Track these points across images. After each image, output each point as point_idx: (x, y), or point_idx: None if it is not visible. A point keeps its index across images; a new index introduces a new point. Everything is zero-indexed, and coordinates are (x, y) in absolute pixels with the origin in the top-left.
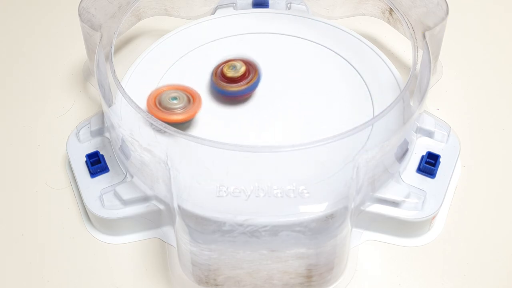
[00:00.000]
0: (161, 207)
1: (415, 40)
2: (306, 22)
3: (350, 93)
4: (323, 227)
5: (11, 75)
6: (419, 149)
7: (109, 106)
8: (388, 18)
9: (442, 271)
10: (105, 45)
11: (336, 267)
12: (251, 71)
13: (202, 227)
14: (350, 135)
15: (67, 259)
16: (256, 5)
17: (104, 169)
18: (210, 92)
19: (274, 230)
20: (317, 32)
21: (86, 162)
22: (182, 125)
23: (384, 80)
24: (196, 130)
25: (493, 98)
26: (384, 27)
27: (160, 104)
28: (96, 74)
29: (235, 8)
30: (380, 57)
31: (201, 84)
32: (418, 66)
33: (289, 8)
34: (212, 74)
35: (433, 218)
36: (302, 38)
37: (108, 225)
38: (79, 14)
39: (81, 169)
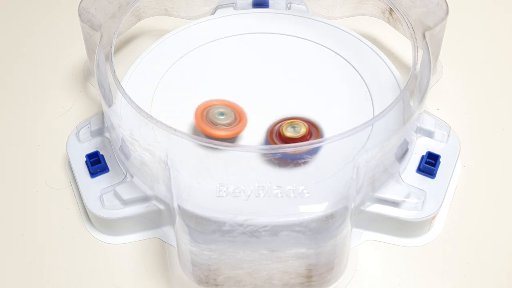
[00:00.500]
0: (161, 207)
1: (415, 40)
2: (306, 22)
3: (350, 93)
4: (323, 227)
5: (11, 75)
6: (419, 149)
7: (109, 106)
8: (388, 18)
9: (442, 271)
10: (105, 45)
11: (336, 267)
12: (312, 132)
13: (202, 227)
14: (350, 135)
15: (67, 259)
16: (256, 5)
17: (104, 169)
18: (210, 92)
19: (274, 230)
20: (317, 32)
21: (86, 162)
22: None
23: (384, 80)
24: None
25: (493, 98)
26: (384, 27)
27: (207, 117)
28: (96, 74)
29: (235, 8)
30: (380, 57)
31: (201, 84)
32: (418, 66)
33: (289, 8)
34: (268, 132)
35: (433, 218)
36: (302, 38)
37: (108, 225)
38: (79, 14)
39: (81, 169)
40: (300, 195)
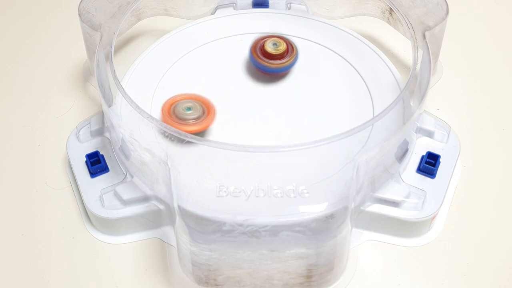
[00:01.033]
0: (161, 207)
1: (415, 40)
2: (306, 22)
3: (350, 93)
4: (323, 227)
5: (11, 75)
6: (419, 149)
7: (109, 106)
8: (388, 18)
9: (442, 271)
10: (105, 45)
11: (336, 267)
12: (289, 49)
13: (202, 227)
14: (350, 135)
15: (67, 259)
16: (256, 5)
17: (104, 169)
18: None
19: (274, 230)
20: (317, 32)
21: (86, 162)
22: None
23: (384, 80)
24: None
25: (493, 98)
26: (384, 27)
27: (174, 113)
28: (96, 74)
29: (235, 8)
30: (380, 57)
31: (201, 84)
32: (418, 66)
33: (289, 8)
34: (251, 49)
35: (433, 218)
36: (302, 38)
37: (108, 225)
38: (79, 14)
39: (81, 169)
40: (300, 195)
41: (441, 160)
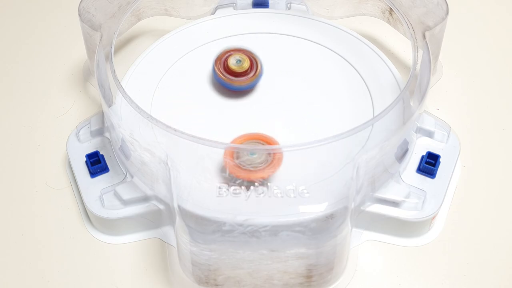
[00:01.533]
0: (161, 207)
1: (415, 40)
2: (306, 22)
3: (350, 93)
4: (323, 227)
5: (11, 75)
6: (419, 149)
7: (109, 106)
8: (388, 18)
9: (442, 271)
10: (105, 45)
11: (336, 267)
12: (253, 65)
13: (202, 227)
14: (350, 135)
15: (67, 259)
16: (256, 5)
17: (104, 169)
18: (210, 92)
19: (274, 230)
20: (317, 32)
21: (86, 162)
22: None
23: (384, 80)
24: (197, 129)
25: (493, 98)
26: (384, 27)
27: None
28: (96, 74)
29: (235, 8)
30: (380, 57)
31: (201, 84)
32: (418, 66)
33: (289, 8)
34: (214, 64)
35: (433, 218)
36: (302, 38)
37: (108, 225)
38: (79, 14)
39: (81, 169)
40: (300, 195)
41: (441, 160)
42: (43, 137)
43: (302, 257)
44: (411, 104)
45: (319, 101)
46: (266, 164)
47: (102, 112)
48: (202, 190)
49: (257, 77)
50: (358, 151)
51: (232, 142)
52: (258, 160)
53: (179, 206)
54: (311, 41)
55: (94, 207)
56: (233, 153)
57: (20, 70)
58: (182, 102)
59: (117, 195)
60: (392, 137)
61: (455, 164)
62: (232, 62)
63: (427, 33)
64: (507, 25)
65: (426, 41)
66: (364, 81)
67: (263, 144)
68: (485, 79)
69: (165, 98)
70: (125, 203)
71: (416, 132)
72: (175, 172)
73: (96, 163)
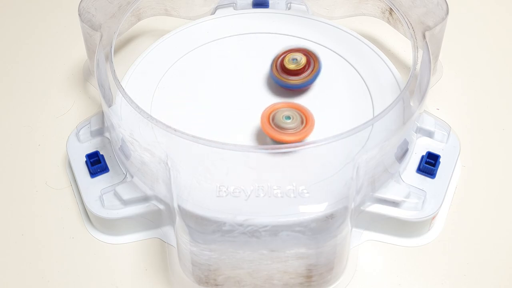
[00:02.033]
0: (161, 207)
1: (415, 40)
2: (306, 22)
3: (350, 93)
4: (323, 227)
5: (11, 75)
6: (419, 149)
7: (109, 106)
8: (388, 18)
9: (442, 271)
10: (105, 45)
11: (336, 267)
12: (311, 62)
13: (202, 227)
14: (350, 135)
15: (67, 259)
16: (256, 5)
17: (104, 169)
18: (210, 92)
19: (274, 230)
20: (317, 32)
21: (86, 162)
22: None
23: (384, 80)
24: (197, 129)
25: (493, 98)
26: (384, 27)
27: (273, 121)
28: (96, 74)
29: (235, 8)
30: (380, 57)
31: (201, 84)
32: (418, 66)
33: (289, 8)
34: (272, 66)
35: (433, 218)
36: (302, 38)
37: (108, 225)
38: (79, 14)
39: (81, 169)
40: (300, 195)
41: (441, 160)
42: (43, 137)
43: (302, 257)
44: (411, 104)
45: (319, 101)
46: (297, 130)
47: (102, 112)
48: (202, 190)
49: (315, 74)
50: (358, 151)
51: (274, 104)
52: (293, 124)
53: (179, 206)
54: (311, 41)
55: (94, 207)
56: (270, 114)
57: (20, 70)
58: (182, 102)
59: (117, 195)
60: (392, 137)
61: (455, 164)
62: (287, 62)
63: (427, 33)
64: (507, 25)
65: (426, 41)
66: (364, 81)
67: (301, 116)
68: (485, 79)
69: (165, 98)
70: (125, 203)
71: (416, 132)
72: (175, 172)
73: (96, 163)
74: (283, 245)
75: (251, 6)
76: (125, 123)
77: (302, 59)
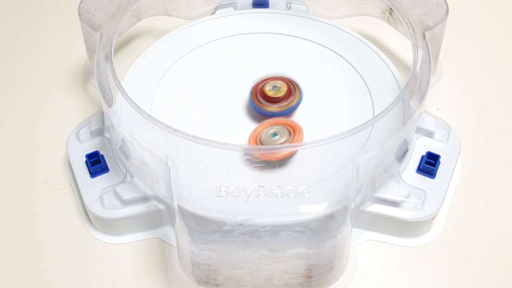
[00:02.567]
0: (161, 207)
1: (415, 40)
2: (306, 22)
3: (350, 93)
4: (323, 227)
5: (11, 75)
6: (419, 149)
7: (109, 106)
8: (388, 18)
9: (442, 271)
10: (105, 45)
11: (336, 267)
12: (292, 91)
13: (202, 227)
14: (350, 135)
15: (67, 259)
16: (256, 5)
17: (104, 169)
18: (210, 92)
19: (274, 230)
20: (317, 32)
21: (86, 162)
22: None
23: (384, 80)
24: (197, 129)
25: (493, 98)
26: (384, 27)
27: (261, 143)
28: (96, 74)
29: (235, 8)
30: (380, 57)
31: (201, 84)
32: (418, 66)
33: (289, 8)
34: (251, 93)
35: (433, 218)
36: (302, 38)
37: (108, 225)
38: (79, 14)
39: (81, 169)
40: (300, 195)
41: (441, 160)
42: (43, 137)
43: (302, 257)
44: (411, 104)
45: (319, 101)
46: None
47: (102, 112)
48: (202, 190)
49: (296, 102)
50: (358, 151)
51: (258, 127)
52: (282, 139)
53: (179, 206)
54: (311, 41)
55: (94, 207)
56: (256, 138)
57: (20, 70)
58: (182, 102)
59: (117, 195)
60: (392, 137)
61: (455, 164)
62: (268, 88)
63: (427, 33)
64: (507, 25)
65: (426, 41)
66: (364, 81)
67: (288, 128)
68: (485, 79)
69: (165, 98)
70: (125, 203)
71: (416, 132)
72: (175, 172)
73: (96, 163)
74: (283, 245)
75: (251, 6)
76: (125, 123)
77: (283, 87)
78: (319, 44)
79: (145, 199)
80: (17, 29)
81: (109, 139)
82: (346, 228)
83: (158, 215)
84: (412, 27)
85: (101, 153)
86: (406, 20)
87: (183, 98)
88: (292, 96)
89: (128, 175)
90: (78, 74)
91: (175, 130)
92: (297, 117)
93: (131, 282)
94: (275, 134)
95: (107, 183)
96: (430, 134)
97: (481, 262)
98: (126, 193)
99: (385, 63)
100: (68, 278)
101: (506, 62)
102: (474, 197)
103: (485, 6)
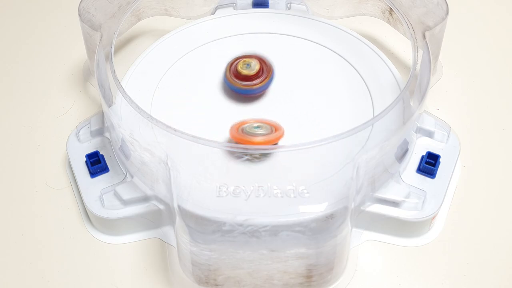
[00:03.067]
0: (161, 207)
1: (415, 40)
2: (306, 22)
3: (350, 93)
4: (323, 227)
5: (11, 75)
6: (419, 149)
7: (109, 106)
8: (388, 18)
9: (442, 271)
10: (105, 45)
11: (336, 267)
12: (264, 69)
13: (202, 227)
14: (350, 135)
15: (67, 259)
16: (256, 5)
17: (104, 169)
18: (210, 92)
19: (274, 230)
20: (317, 32)
21: (86, 162)
22: None
23: (384, 80)
24: (197, 129)
25: (493, 98)
26: (384, 27)
27: (243, 132)
28: (96, 74)
29: (235, 8)
30: (380, 57)
31: (201, 84)
32: (418, 66)
33: (289, 8)
34: (226, 70)
35: (433, 218)
36: (302, 38)
37: (108, 225)
38: (79, 14)
39: (81, 169)
40: (300, 195)
41: (441, 160)
42: (43, 137)
43: (302, 257)
44: (411, 104)
45: (319, 101)
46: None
47: (102, 112)
48: (202, 190)
49: (268, 81)
50: (358, 151)
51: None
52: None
53: (179, 206)
54: (311, 41)
55: (94, 207)
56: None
57: (20, 70)
58: (182, 102)
59: (117, 195)
60: (392, 137)
61: (455, 164)
62: (241, 67)
63: (427, 33)
64: (507, 25)
65: (426, 41)
66: (364, 81)
67: (271, 127)
68: (485, 79)
69: (165, 98)
70: (125, 203)
71: (416, 132)
72: (175, 172)
73: (96, 163)
74: (283, 245)
75: (251, 6)
76: (125, 123)
77: (256, 66)
78: (319, 44)
79: (145, 199)
80: (17, 29)
81: (109, 139)
82: (346, 228)
83: (158, 215)
84: (412, 27)
85: (101, 153)
86: (406, 20)
87: (183, 98)
88: (263, 75)
89: (128, 175)
90: (78, 74)
91: (175, 130)
92: (297, 116)
93: (131, 282)
94: (258, 127)
95: (107, 183)
96: (430, 134)
97: (481, 262)
98: (126, 193)
99: (385, 63)
100: (68, 278)
101: (506, 62)
102: (474, 197)
103: (485, 6)
